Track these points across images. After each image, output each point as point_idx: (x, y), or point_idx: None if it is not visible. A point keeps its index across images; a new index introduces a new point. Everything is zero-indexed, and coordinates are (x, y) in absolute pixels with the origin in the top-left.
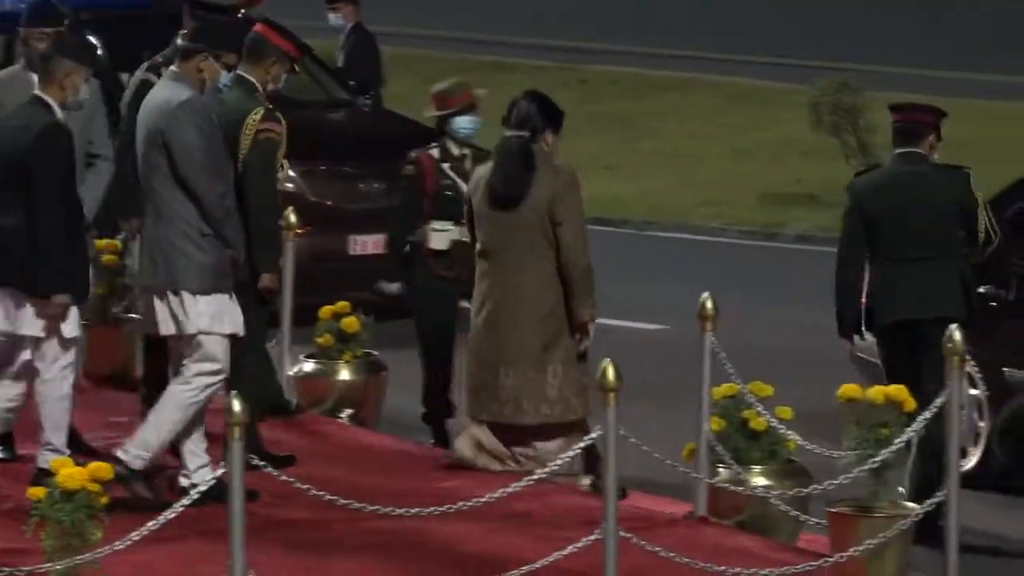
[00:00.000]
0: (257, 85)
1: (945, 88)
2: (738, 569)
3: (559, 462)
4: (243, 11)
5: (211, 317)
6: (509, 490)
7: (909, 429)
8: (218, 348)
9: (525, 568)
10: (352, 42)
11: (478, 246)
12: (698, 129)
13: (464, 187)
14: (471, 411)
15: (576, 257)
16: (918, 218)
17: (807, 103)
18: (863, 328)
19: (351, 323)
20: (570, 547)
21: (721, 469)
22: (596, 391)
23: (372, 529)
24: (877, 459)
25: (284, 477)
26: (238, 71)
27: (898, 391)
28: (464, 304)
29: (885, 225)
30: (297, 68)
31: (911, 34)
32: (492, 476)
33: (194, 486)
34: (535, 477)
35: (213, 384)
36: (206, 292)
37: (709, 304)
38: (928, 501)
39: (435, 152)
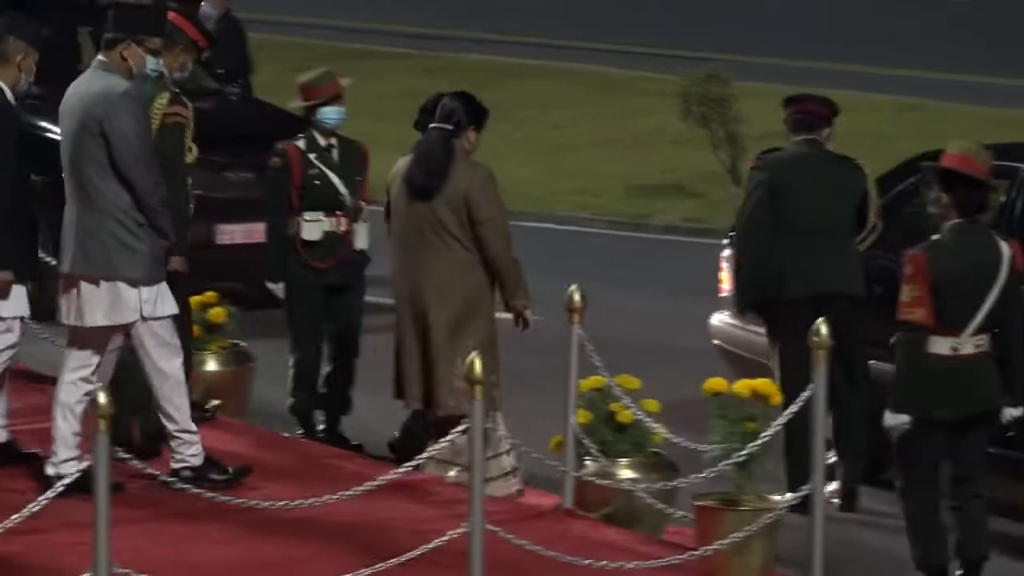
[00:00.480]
0: (164, 71)
1: (812, 79)
2: (604, 562)
3: (427, 455)
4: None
5: (153, 303)
6: (376, 482)
7: (775, 423)
8: (167, 329)
9: (392, 561)
10: (221, 30)
11: (393, 236)
12: (564, 118)
13: (333, 177)
14: (398, 396)
15: (501, 252)
16: (826, 196)
17: (676, 93)
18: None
19: (218, 313)
20: (436, 540)
21: (588, 462)
22: (463, 383)
23: (238, 520)
24: (743, 453)
25: (150, 469)
26: None
27: (764, 384)
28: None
29: (798, 199)
30: (202, 58)
31: (778, 24)
32: (360, 466)
33: (60, 476)
34: (403, 469)
35: (180, 356)
36: (146, 282)
37: (576, 296)
38: (794, 495)
39: (301, 143)
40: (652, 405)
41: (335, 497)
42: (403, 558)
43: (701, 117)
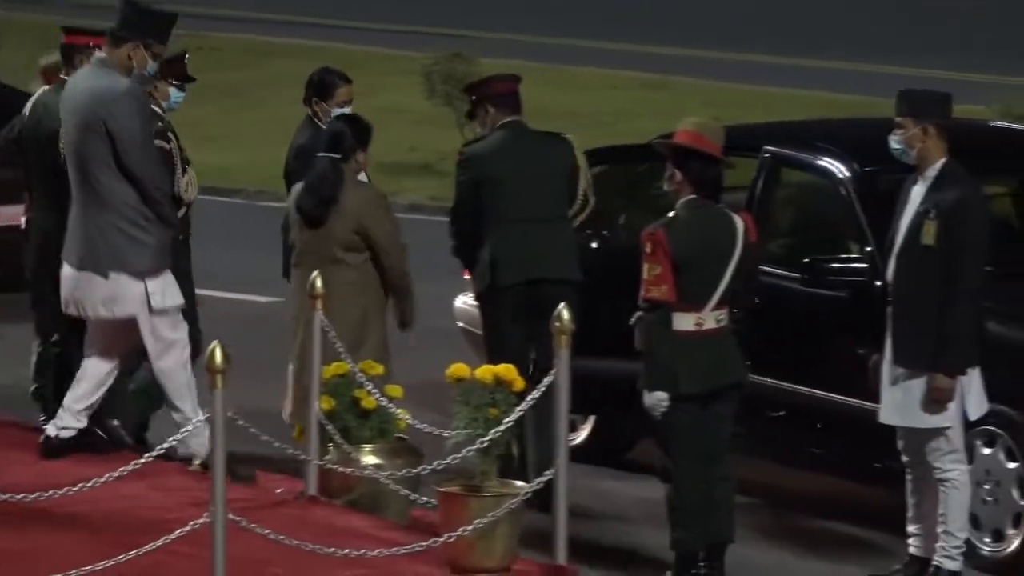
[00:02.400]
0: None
1: (556, 56)
2: (348, 550)
3: (167, 444)
4: None
5: (161, 295)
6: (116, 474)
7: (518, 408)
8: (169, 323)
9: (132, 552)
10: None
11: (295, 258)
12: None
13: None
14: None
15: (396, 265)
16: (536, 180)
17: (420, 71)
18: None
19: None
20: (178, 531)
21: (332, 448)
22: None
23: None
24: (486, 439)
25: None
26: (61, 75)
27: (507, 371)
28: None
29: (506, 188)
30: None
31: (522, 1)
32: (102, 457)
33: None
34: (143, 460)
35: (184, 351)
36: (153, 273)
37: (319, 282)
38: (537, 479)
39: None
40: (395, 391)
41: (75, 488)
42: (145, 548)
43: (446, 95)
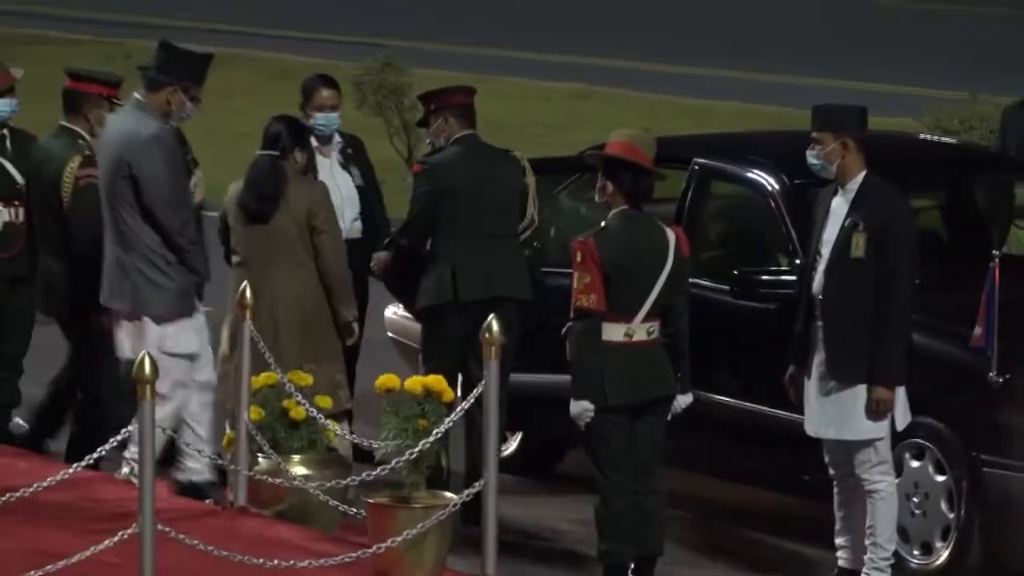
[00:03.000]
0: (83, 133)
1: (486, 66)
2: (277, 561)
3: (96, 455)
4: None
5: (174, 339)
6: (46, 484)
7: (448, 419)
8: (175, 367)
9: (61, 563)
10: None
11: (236, 258)
12: (243, 106)
13: (9, 167)
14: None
15: (335, 262)
16: (493, 198)
17: (351, 81)
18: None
19: None
20: (106, 541)
21: (261, 459)
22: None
23: None
24: (415, 450)
25: None
26: (61, 121)
27: (436, 381)
28: None
29: (466, 202)
30: (113, 105)
31: (452, 11)
32: (31, 464)
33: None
34: (71, 470)
35: (175, 404)
36: (169, 318)
37: (248, 291)
38: (466, 491)
39: None
40: (325, 402)
41: (3, 498)
42: (73, 559)
43: (376, 106)
